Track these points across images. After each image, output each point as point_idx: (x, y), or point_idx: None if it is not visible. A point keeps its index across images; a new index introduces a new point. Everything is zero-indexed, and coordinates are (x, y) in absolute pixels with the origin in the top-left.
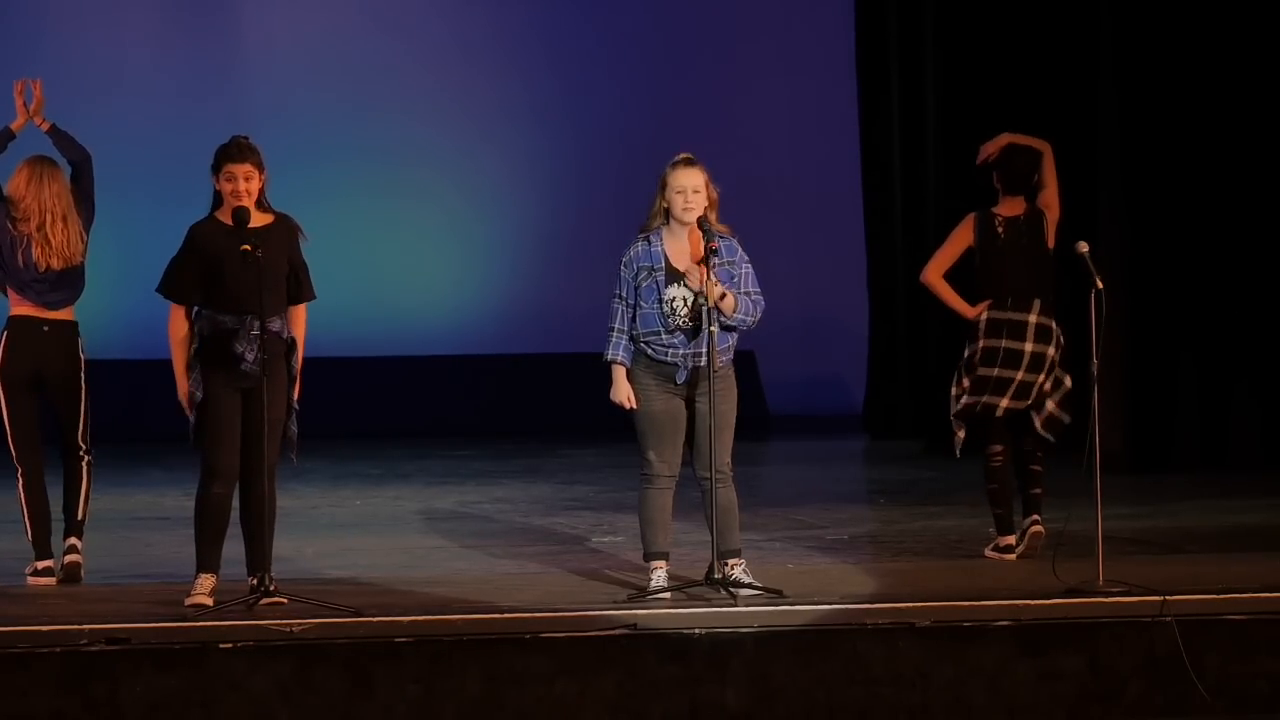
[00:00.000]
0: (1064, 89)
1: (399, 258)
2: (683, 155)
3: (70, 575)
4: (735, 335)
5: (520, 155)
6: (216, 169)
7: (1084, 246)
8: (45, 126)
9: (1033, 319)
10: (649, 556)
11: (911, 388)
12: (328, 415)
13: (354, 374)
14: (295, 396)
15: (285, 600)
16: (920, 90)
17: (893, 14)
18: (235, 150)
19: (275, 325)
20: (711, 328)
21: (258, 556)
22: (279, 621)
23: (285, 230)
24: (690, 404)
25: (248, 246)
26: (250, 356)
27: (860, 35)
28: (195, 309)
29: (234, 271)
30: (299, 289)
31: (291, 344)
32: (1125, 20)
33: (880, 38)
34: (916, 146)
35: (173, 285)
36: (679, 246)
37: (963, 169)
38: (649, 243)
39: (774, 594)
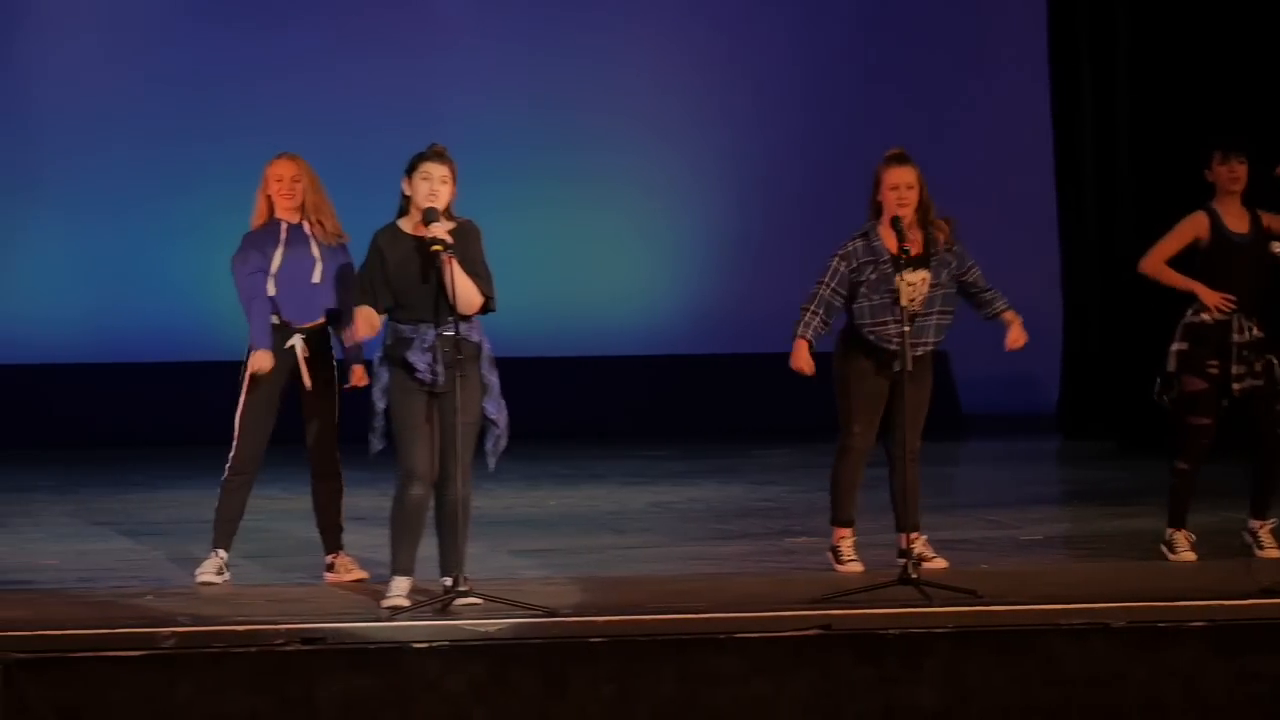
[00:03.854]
0: (1260, 84)
1: (590, 260)
2: (895, 151)
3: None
4: None
5: (708, 157)
6: (411, 170)
7: (1278, 247)
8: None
9: (1253, 325)
10: (838, 522)
11: (1106, 388)
12: (521, 416)
13: (547, 375)
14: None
15: (480, 600)
16: (1113, 88)
17: (1085, 11)
18: (433, 154)
19: (463, 328)
20: (941, 319)
21: (452, 557)
22: (474, 621)
23: (466, 235)
24: (896, 386)
25: (438, 246)
26: (424, 366)
27: (1053, 33)
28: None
29: (415, 277)
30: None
31: (481, 348)
32: None
33: (1072, 36)
34: (1109, 145)
35: (362, 294)
36: (894, 239)
37: (1156, 166)
38: (868, 238)
39: (968, 594)
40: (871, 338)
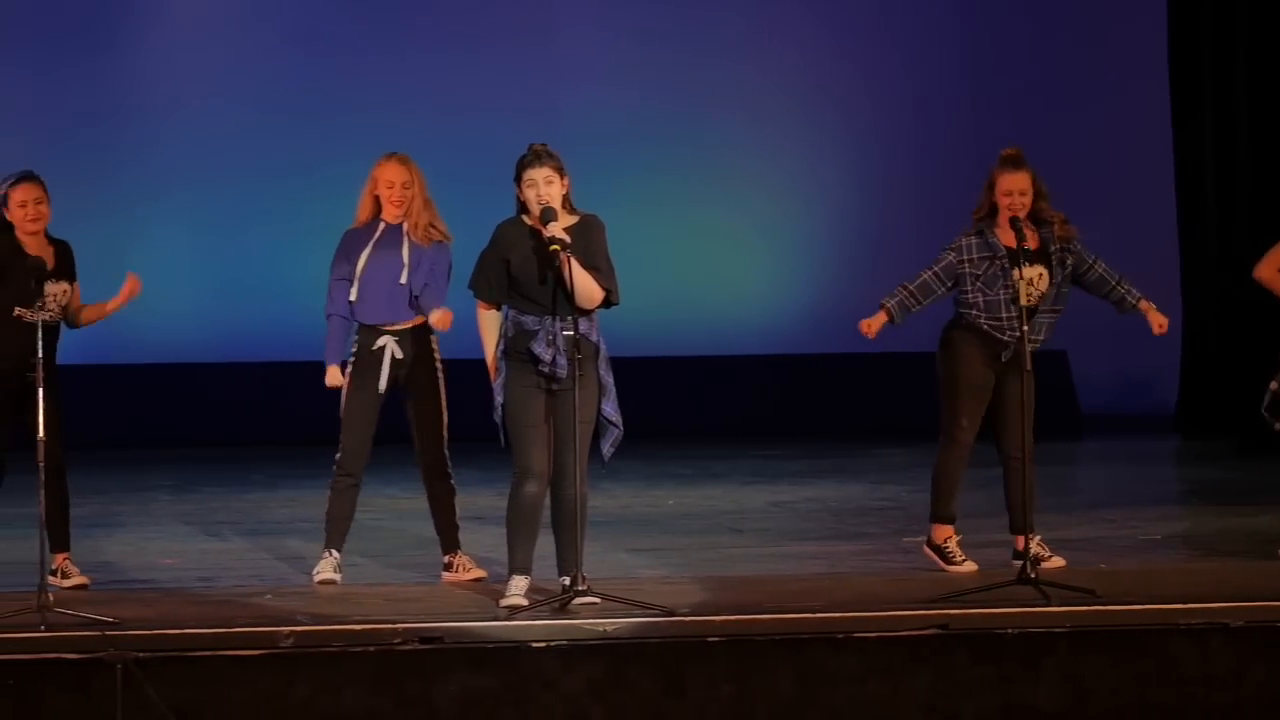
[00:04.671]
0: None
1: (709, 260)
2: (1010, 152)
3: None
4: None
5: (827, 156)
6: (517, 179)
7: None
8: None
9: None
10: (940, 519)
11: (1224, 388)
12: (640, 415)
13: (666, 374)
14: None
15: (598, 599)
16: (1233, 94)
17: (1206, 14)
18: (532, 157)
19: (583, 327)
20: (1051, 317)
21: (569, 556)
22: (592, 621)
23: (586, 230)
24: (1002, 383)
25: (557, 246)
26: (548, 357)
27: (1173, 40)
28: (503, 308)
29: (536, 273)
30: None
31: (599, 348)
32: None
33: (1193, 40)
34: (1229, 149)
35: (477, 281)
36: (1010, 238)
37: (1276, 169)
38: (983, 235)
39: (1086, 594)
40: (985, 327)
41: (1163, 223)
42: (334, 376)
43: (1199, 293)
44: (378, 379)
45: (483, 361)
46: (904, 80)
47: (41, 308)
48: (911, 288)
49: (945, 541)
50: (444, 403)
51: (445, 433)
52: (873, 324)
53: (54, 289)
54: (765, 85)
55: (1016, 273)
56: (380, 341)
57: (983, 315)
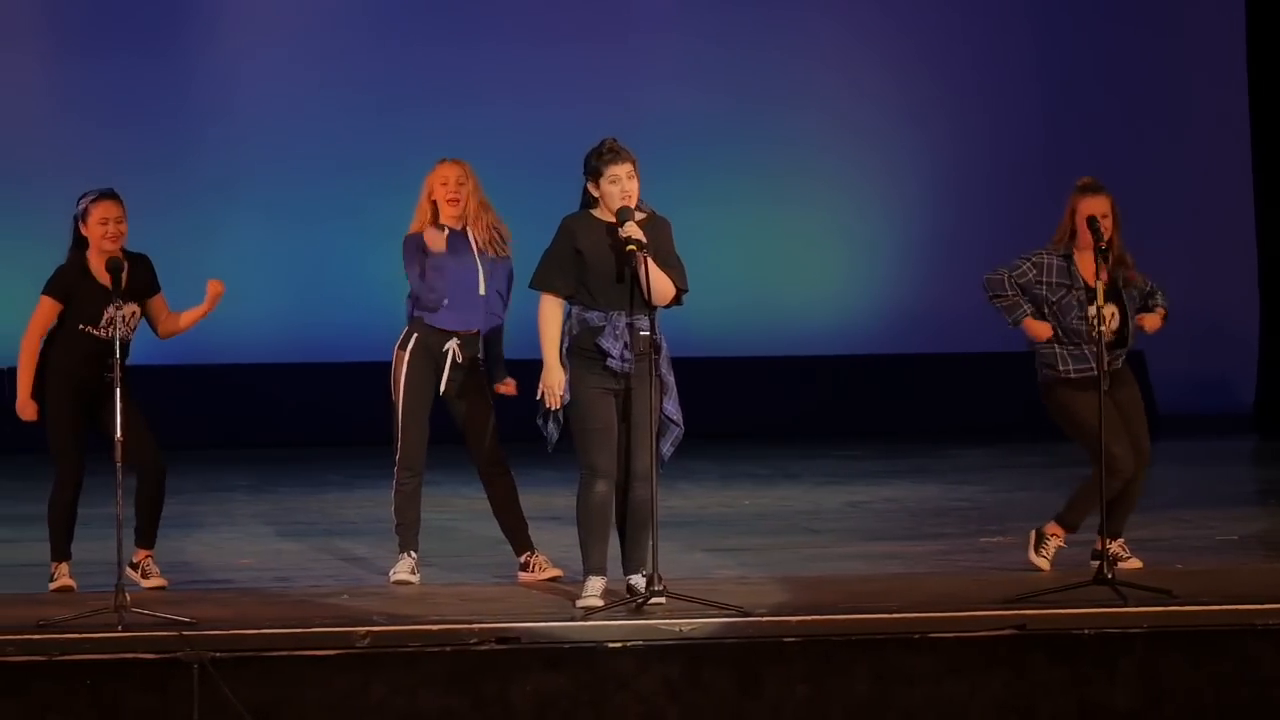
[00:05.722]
0: None
1: (784, 259)
2: (1087, 181)
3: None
4: None
5: (902, 156)
6: (595, 174)
7: None
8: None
9: None
10: (1067, 526)
11: None
12: (716, 415)
13: (742, 374)
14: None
15: (674, 599)
16: None
17: None
18: (613, 153)
19: (646, 325)
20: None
21: (635, 556)
22: (668, 621)
23: (658, 227)
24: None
25: (634, 247)
26: (616, 352)
27: (1251, 38)
28: (566, 306)
29: (610, 271)
30: None
31: (662, 347)
32: None
33: (1272, 40)
34: None
35: (547, 276)
36: (1090, 270)
37: None
38: (1067, 261)
39: (1163, 594)
40: (1073, 374)
41: (1241, 224)
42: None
43: (1278, 295)
44: (436, 377)
45: (534, 363)
46: (976, 82)
47: (110, 323)
48: (1011, 293)
49: (1052, 537)
50: (491, 400)
51: (496, 428)
52: (1040, 326)
53: (124, 310)
54: (842, 86)
55: (1092, 310)
56: (447, 345)
57: (1067, 339)
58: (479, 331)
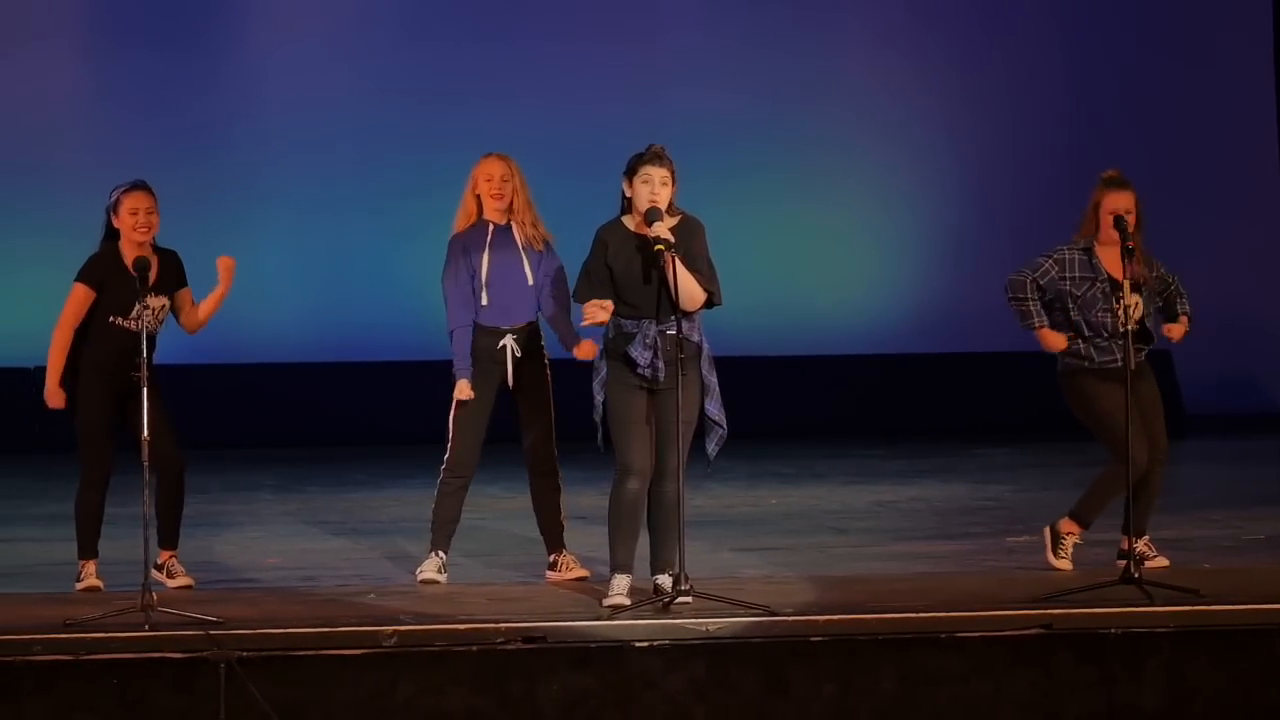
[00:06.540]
0: None
1: (812, 258)
2: (1112, 174)
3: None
4: None
5: (927, 155)
6: (631, 173)
7: None
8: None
9: None
10: (1081, 521)
11: None
12: (743, 414)
13: (770, 373)
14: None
15: (700, 599)
16: None
17: None
18: (652, 156)
19: (684, 327)
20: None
21: (663, 555)
22: (695, 620)
23: (689, 230)
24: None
25: (661, 246)
26: (645, 361)
27: (1278, 30)
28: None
29: (638, 275)
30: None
31: (702, 348)
32: None
33: None
34: None
35: (583, 290)
36: (1113, 262)
37: None
38: (1089, 254)
39: (1190, 594)
40: (1097, 365)
41: (1267, 222)
42: (465, 390)
43: None
44: (494, 381)
45: (585, 364)
46: (1000, 81)
47: (139, 316)
48: (1032, 297)
49: (1067, 535)
50: (552, 400)
51: (553, 429)
52: (1055, 337)
53: (153, 302)
54: (871, 86)
55: (1118, 304)
56: (502, 341)
57: (1089, 335)
58: (532, 323)
